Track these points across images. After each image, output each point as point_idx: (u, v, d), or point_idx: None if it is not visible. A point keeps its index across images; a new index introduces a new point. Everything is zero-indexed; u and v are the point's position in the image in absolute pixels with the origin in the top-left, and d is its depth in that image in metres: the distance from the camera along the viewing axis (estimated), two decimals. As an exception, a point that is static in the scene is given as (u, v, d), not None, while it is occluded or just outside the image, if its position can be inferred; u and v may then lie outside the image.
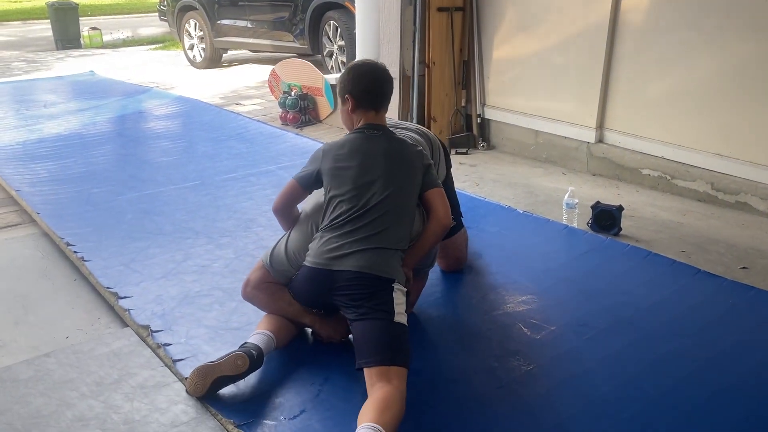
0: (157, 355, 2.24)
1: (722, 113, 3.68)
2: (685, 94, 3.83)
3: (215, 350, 2.20)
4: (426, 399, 1.98)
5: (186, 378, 2.04)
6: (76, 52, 11.12)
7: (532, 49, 4.57)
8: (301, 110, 5.70)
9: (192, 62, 9.25)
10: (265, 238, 3.12)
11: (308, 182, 2.21)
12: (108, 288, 2.65)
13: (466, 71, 4.95)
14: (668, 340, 2.29)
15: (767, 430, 1.89)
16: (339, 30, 6.91)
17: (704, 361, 2.17)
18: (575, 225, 3.32)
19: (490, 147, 4.96)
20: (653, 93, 4.00)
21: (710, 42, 3.67)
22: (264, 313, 2.25)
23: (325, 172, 2.16)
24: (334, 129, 5.47)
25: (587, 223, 3.35)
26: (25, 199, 3.63)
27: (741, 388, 2.04)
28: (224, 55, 9.36)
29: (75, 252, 2.95)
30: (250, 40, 8.37)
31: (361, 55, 4.96)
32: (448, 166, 2.66)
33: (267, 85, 6.45)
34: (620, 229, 3.28)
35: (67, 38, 11.53)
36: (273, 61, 7.32)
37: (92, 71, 8.18)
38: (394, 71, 4.76)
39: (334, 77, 5.57)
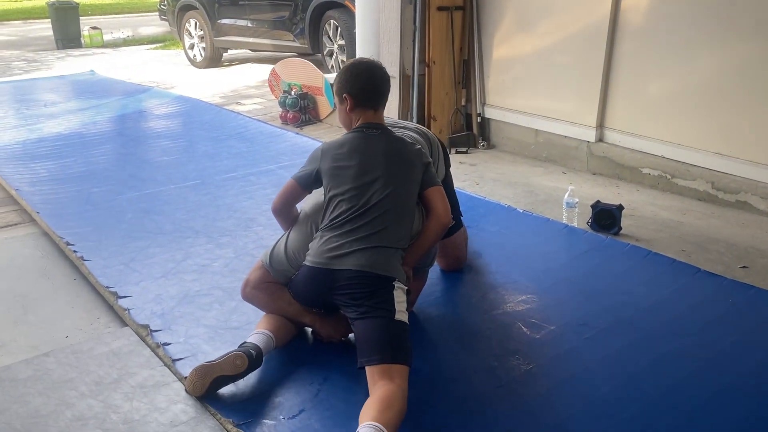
0: (157, 354, 2.24)
1: (722, 112, 3.67)
2: (686, 93, 3.83)
3: (215, 350, 2.20)
4: (426, 398, 1.98)
5: (185, 377, 2.04)
6: (76, 52, 11.12)
7: (532, 48, 4.57)
8: (301, 109, 5.70)
9: (192, 61, 9.25)
10: (265, 237, 3.12)
11: (307, 182, 2.21)
12: (107, 287, 2.65)
13: (466, 70, 4.95)
14: (668, 339, 2.29)
15: (767, 430, 1.89)
16: (339, 29, 6.91)
17: (704, 361, 2.17)
18: (575, 224, 3.32)
19: (490, 146, 4.96)
20: (653, 92, 3.99)
21: (710, 41, 3.67)
22: (263, 313, 2.25)
23: (324, 172, 2.15)
24: (334, 128, 5.47)
25: (587, 223, 3.35)
26: (24, 199, 3.62)
27: (741, 388, 2.03)
28: (224, 54, 9.36)
29: (75, 251, 2.95)
30: (251, 40, 8.37)
31: (361, 54, 4.96)
32: (447, 165, 2.66)
33: (267, 84, 6.44)
34: (620, 228, 3.28)
35: (68, 38, 11.53)
36: (273, 61, 7.32)
37: (92, 71, 8.18)
38: (394, 70, 4.76)
39: (334, 76, 5.52)
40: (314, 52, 7.55)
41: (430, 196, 2.17)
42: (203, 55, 9.02)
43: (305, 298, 2.18)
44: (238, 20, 8.32)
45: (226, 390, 2.00)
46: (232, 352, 2.00)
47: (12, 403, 1.99)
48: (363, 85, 2.20)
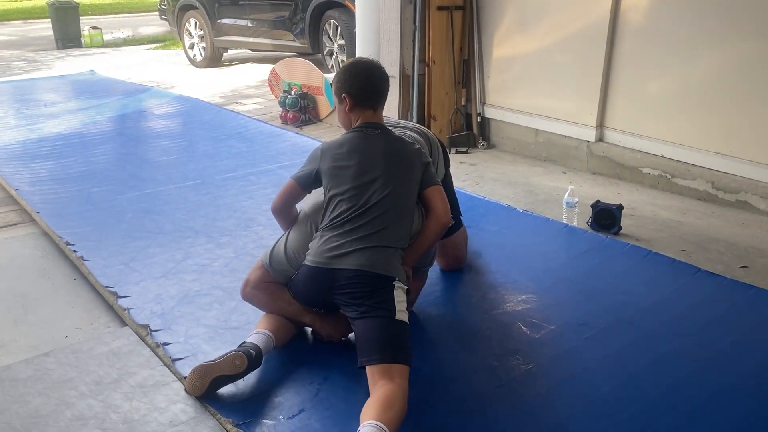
0: (156, 354, 2.24)
1: (722, 112, 3.67)
2: (686, 93, 3.83)
3: (214, 349, 2.20)
4: (425, 398, 1.98)
5: (185, 377, 2.04)
6: (76, 52, 11.12)
7: (532, 48, 4.56)
8: (301, 109, 5.70)
9: (192, 61, 9.25)
10: (264, 237, 3.12)
11: (307, 182, 2.21)
12: (107, 287, 2.65)
13: (466, 70, 4.95)
14: (668, 339, 2.29)
15: (767, 430, 1.89)
16: (339, 29, 6.91)
17: (704, 360, 2.17)
18: (575, 224, 3.32)
19: (490, 146, 4.96)
20: (653, 91, 3.99)
21: (710, 40, 3.67)
22: (263, 313, 2.25)
23: (324, 172, 2.15)
24: (334, 128, 5.46)
25: (587, 222, 3.34)
26: (24, 199, 3.62)
27: (741, 388, 2.03)
28: (224, 54, 9.36)
29: (74, 251, 2.95)
30: (251, 39, 8.37)
31: (361, 53, 4.96)
32: (447, 164, 2.66)
33: (267, 84, 6.44)
34: (620, 228, 3.28)
35: (68, 37, 11.54)
36: (273, 60, 7.32)
37: (92, 70, 8.18)
38: (394, 70, 4.76)
39: (334, 76, 5.56)
40: (314, 52, 7.55)
41: (430, 195, 2.17)
42: (203, 54, 9.02)
43: (305, 298, 2.18)
44: (238, 20, 8.32)
45: (226, 390, 2.00)
46: (231, 351, 2.00)
47: (12, 403, 1.99)
48: (362, 84, 2.20)
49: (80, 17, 12.00)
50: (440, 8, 4.69)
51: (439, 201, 2.17)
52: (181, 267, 2.84)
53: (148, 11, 17.97)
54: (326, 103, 5.68)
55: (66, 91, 6.91)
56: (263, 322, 2.19)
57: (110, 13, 18.36)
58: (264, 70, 7.86)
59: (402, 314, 1.98)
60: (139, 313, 2.45)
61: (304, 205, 2.27)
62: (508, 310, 2.50)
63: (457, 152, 4.75)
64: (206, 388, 1.96)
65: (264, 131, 5.17)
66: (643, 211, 3.61)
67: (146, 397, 2.02)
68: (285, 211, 2.28)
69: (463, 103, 4.99)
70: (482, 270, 2.84)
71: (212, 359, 2.00)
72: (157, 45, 11.85)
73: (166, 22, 10.24)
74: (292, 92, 5.74)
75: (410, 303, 2.27)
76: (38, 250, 3.13)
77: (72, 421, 1.92)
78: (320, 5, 7.17)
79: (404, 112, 4.90)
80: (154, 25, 14.37)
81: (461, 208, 2.75)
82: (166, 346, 2.24)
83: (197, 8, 8.72)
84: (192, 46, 9.18)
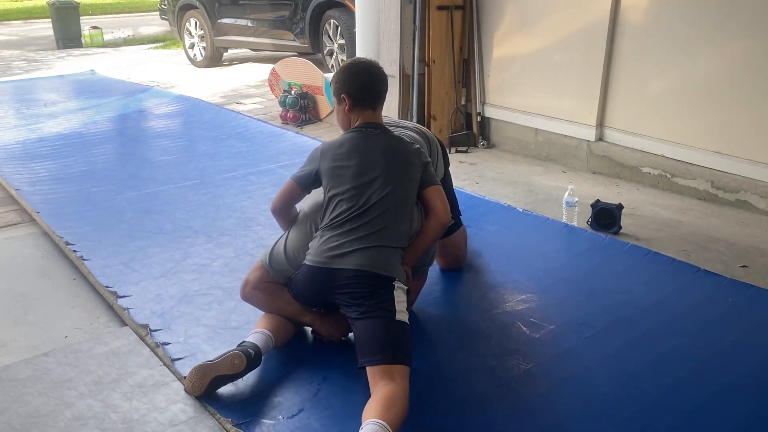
0: (156, 354, 2.24)
1: (722, 111, 3.67)
2: (685, 92, 3.82)
3: (214, 349, 2.20)
4: (425, 398, 1.98)
5: (184, 377, 2.04)
6: (76, 51, 11.12)
7: (532, 48, 4.56)
8: (301, 109, 5.70)
9: (192, 61, 9.25)
10: (264, 237, 3.12)
11: (307, 182, 2.21)
12: (107, 287, 2.65)
13: (466, 70, 4.95)
14: (668, 339, 2.29)
15: (767, 430, 1.89)
16: (339, 29, 6.91)
17: (704, 360, 2.17)
18: (575, 223, 3.32)
19: (490, 145, 4.95)
20: (653, 91, 3.99)
21: (710, 40, 3.66)
22: (263, 313, 2.25)
23: (323, 172, 2.15)
24: (334, 128, 5.46)
25: (587, 222, 3.34)
26: (24, 198, 3.62)
27: (741, 388, 2.03)
28: (225, 53, 9.36)
29: (74, 251, 2.95)
30: (251, 39, 8.37)
31: (361, 53, 4.96)
32: (447, 164, 2.65)
33: (267, 83, 6.44)
34: (620, 227, 3.28)
35: (68, 37, 11.54)
36: (273, 60, 7.32)
37: (93, 70, 8.18)
38: (394, 70, 4.75)
39: (332, 77, 5.56)
40: (314, 52, 7.55)
41: (430, 195, 2.17)
42: (203, 54, 9.02)
43: (305, 298, 2.18)
44: (239, 20, 8.33)
45: (225, 389, 2.00)
46: (230, 351, 2.00)
47: (12, 403, 1.99)
48: (361, 84, 2.20)
49: (80, 17, 12.01)
50: (440, 8, 4.69)
51: (438, 201, 2.17)
52: (181, 267, 2.84)
53: (149, 11, 17.97)
54: (326, 103, 5.68)
55: (66, 91, 6.91)
56: (262, 321, 2.19)
57: (110, 13, 18.36)
58: (264, 70, 7.86)
59: (402, 315, 1.98)
60: (139, 313, 2.45)
61: (304, 205, 2.27)
62: (507, 310, 2.50)
63: (457, 152, 4.75)
64: (205, 388, 1.96)
65: (264, 131, 5.17)
66: (643, 210, 3.60)
67: (146, 396, 2.02)
68: (284, 211, 2.27)
69: (463, 102, 4.99)
70: (482, 270, 2.84)
71: (211, 359, 2.00)
72: (158, 45, 11.85)
73: (167, 22, 10.24)
74: (292, 92, 5.74)
75: (410, 303, 2.27)
76: (38, 250, 3.13)
77: (71, 421, 1.92)
78: (320, 5, 7.17)
79: (404, 111, 4.90)
80: (154, 24, 14.38)
81: (461, 208, 2.75)
82: (165, 346, 2.24)
83: (197, 8, 8.72)
84: (192, 46, 9.18)
